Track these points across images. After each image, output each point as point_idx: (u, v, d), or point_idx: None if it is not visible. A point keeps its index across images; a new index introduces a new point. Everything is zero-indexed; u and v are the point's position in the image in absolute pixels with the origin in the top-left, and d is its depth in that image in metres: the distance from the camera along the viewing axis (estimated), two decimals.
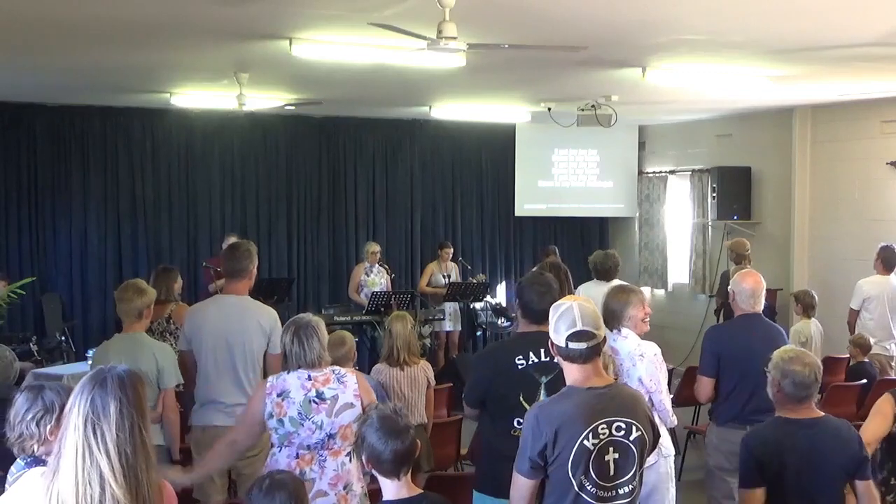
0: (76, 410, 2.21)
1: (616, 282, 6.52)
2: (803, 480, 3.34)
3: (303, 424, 3.69)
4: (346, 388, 3.75)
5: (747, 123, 10.60)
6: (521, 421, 3.71)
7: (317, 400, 3.70)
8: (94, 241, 10.05)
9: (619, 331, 4.37)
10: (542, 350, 3.76)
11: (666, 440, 4.40)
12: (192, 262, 10.35)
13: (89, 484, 2.16)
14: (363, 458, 2.87)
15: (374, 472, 2.88)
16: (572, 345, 2.93)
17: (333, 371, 3.79)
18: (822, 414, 3.50)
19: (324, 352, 3.78)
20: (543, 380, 3.73)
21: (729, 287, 4.82)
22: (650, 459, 4.29)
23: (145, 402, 2.29)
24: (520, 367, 3.76)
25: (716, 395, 4.67)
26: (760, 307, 4.74)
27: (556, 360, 3.70)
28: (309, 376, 3.74)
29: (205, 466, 4.04)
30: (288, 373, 3.78)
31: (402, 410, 2.94)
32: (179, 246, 10.47)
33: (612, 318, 4.34)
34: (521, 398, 3.72)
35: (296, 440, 3.71)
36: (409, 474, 2.88)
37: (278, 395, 3.72)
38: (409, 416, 3.02)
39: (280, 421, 3.71)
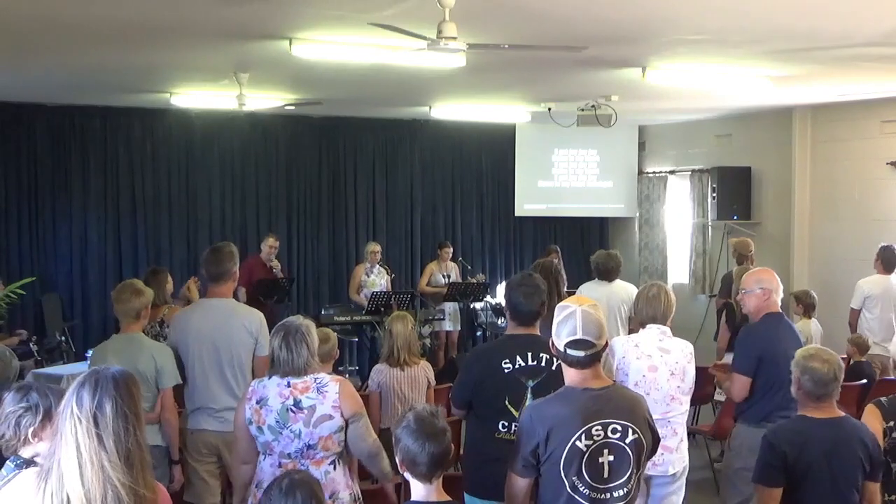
0: (72, 410, 2.20)
1: (618, 282, 6.54)
2: (825, 479, 3.35)
3: (281, 433, 3.61)
4: (325, 398, 3.62)
5: (747, 123, 10.60)
6: (507, 424, 3.71)
7: (294, 409, 3.60)
8: (94, 241, 10.03)
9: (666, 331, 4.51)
10: (530, 354, 3.75)
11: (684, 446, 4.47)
12: (192, 262, 10.32)
13: (93, 481, 2.17)
14: (397, 459, 2.83)
15: (407, 474, 2.83)
16: (571, 351, 2.95)
17: (315, 379, 3.66)
18: (843, 414, 3.50)
19: (312, 358, 3.67)
20: (530, 384, 3.72)
21: (757, 287, 4.64)
22: (677, 467, 4.34)
23: (139, 402, 2.29)
24: (506, 370, 3.73)
25: (749, 394, 4.63)
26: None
27: (542, 364, 3.74)
28: (288, 383, 3.63)
29: (238, 495, 3.88)
30: (269, 378, 3.69)
31: (438, 412, 2.87)
32: (179, 246, 10.46)
33: (663, 317, 4.55)
34: (507, 402, 3.71)
35: (276, 448, 3.63)
36: (441, 479, 2.83)
37: (257, 402, 3.64)
38: None
39: (259, 429, 3.63)
